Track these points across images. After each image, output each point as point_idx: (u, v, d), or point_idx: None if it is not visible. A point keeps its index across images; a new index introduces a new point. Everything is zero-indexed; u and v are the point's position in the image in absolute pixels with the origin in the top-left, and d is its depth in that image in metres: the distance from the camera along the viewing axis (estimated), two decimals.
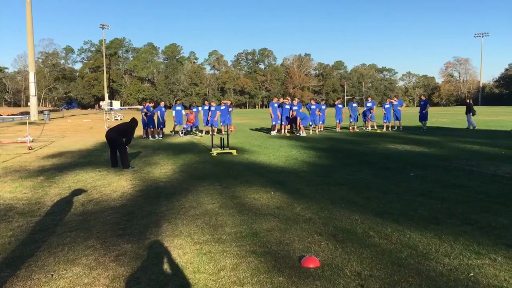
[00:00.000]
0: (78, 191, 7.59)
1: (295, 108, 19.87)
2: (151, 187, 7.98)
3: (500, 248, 4.30)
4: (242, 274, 3.83)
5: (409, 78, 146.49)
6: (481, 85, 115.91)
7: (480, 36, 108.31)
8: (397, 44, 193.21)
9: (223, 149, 12.98)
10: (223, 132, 20.59)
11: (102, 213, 6.09)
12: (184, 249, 4.51)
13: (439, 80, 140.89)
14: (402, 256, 4.17)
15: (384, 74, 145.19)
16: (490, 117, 35.64)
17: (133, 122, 10.90)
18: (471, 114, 21.84)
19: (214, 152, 12.79)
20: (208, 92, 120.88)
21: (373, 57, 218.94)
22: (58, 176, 9.21)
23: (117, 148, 10.42)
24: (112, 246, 4.65)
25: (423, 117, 21.67)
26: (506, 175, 8.39)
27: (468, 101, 22.45)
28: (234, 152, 12.84)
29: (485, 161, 10.38)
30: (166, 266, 4.07)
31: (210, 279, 3.73)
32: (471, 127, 21.40)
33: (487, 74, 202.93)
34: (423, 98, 23.11)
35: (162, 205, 6.49)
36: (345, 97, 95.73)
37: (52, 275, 3.93)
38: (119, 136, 10.39)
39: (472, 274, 3.71)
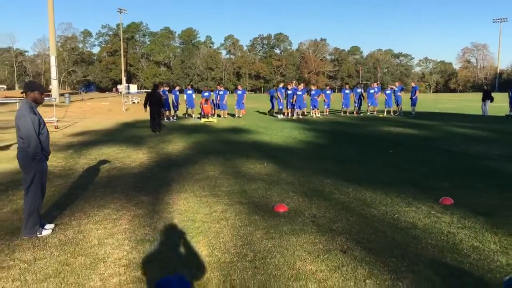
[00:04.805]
0: (103, 161, 9.02)
1: (299, 93, 21.02)
2: (164, 159, 9.38)
3: (428, 201, 5.56)
4: (228, 214, 5.19)
5: (426, 63, 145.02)
6: (498, 71, 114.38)
7: (498, 21, 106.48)
8: (414, 29, 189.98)
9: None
10: (236, 116, 21.86)
11: (124, 177, 7.50)
12: (187, 199, 5.89)
13: (456, 66, 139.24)
14: (352, 205, 5.47)
15: (400, 60, 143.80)
16: (504, 103, 36.00)
17: (157, 89, 15.45)
18: (489, 101, 22.34)
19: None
20: (224, 77, 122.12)
21: (390, 42, 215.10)
22: (84, 150, 10.66)
23: (157, 115, 14.57)
24: (133, 198, 6.05)
25: (412, 102, 22.63)
26: (474, 154, 9.55)
27: (485, 87, 22.72)
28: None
29: (464, 142, 11.50)
30: (173, 209, 5.45)
31: (204, 216, 5.10)
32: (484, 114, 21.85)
33: (505, 60, 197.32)
34: (413, 84, 24.04)
35: (173, 172, 7.87)
36: (360, 83, 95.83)
37: (89, 214, 5.33)
38: (159, 107, 14.89)
39: (396, 215, 5.00)
